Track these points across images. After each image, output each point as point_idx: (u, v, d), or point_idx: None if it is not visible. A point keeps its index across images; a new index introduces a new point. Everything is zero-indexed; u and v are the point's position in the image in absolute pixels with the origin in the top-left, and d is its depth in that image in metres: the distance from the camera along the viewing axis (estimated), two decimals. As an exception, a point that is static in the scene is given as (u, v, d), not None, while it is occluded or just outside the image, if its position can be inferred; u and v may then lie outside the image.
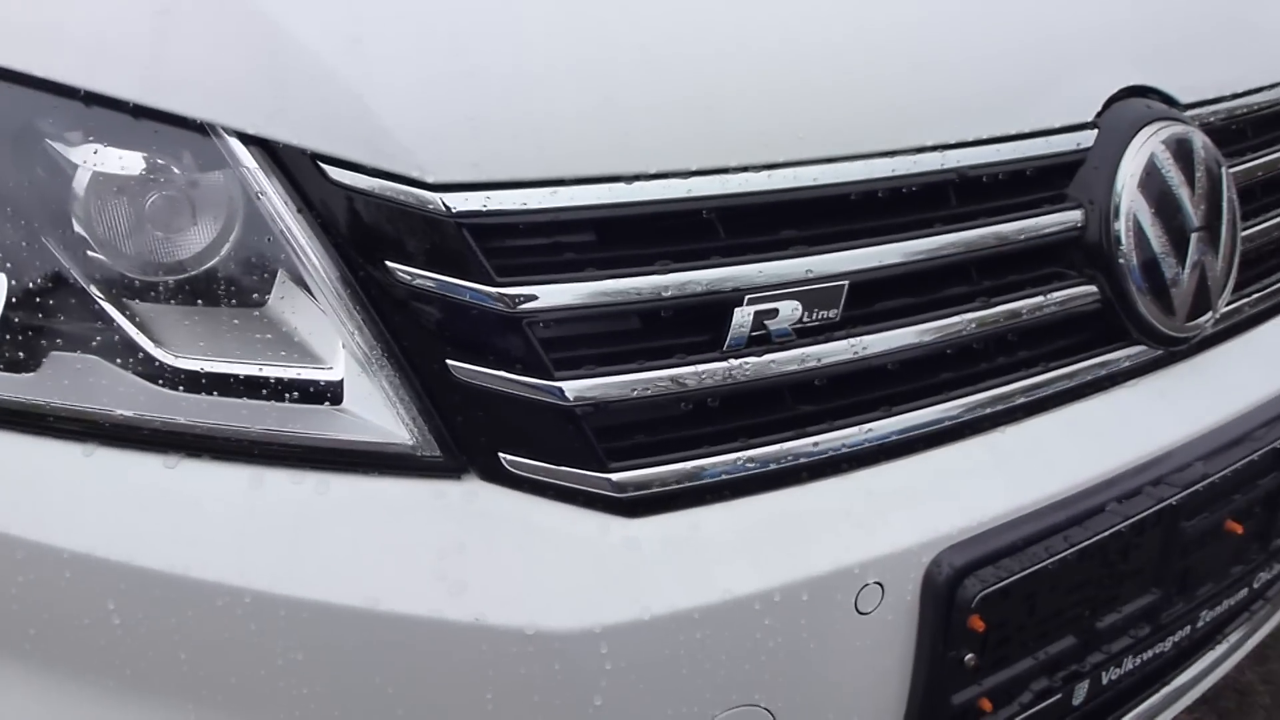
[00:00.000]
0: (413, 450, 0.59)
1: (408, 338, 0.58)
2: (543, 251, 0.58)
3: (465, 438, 0.59)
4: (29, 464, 0.59)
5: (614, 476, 0.59)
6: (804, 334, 0.64)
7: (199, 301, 0.61)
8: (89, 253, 0.60)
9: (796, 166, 0.63)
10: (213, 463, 0.58)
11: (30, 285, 0.60)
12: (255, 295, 0.61)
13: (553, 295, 0.58)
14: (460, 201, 0.56)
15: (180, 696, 0.58)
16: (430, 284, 0.57)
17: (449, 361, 0.58)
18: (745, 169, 0.62)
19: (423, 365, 0.58)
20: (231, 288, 0.60)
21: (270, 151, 0.58)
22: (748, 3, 0.65)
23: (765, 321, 0.62)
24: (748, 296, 0.62)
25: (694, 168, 0.61)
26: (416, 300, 0.57)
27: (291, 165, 0.57)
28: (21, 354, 0.60)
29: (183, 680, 0.57)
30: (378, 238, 0.57)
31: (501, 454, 0.59)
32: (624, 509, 0.59)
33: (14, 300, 0.60)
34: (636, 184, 0.59)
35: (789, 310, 0.63)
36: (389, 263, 0.57)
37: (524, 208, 0.57)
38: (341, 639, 0.56)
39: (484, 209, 0.57)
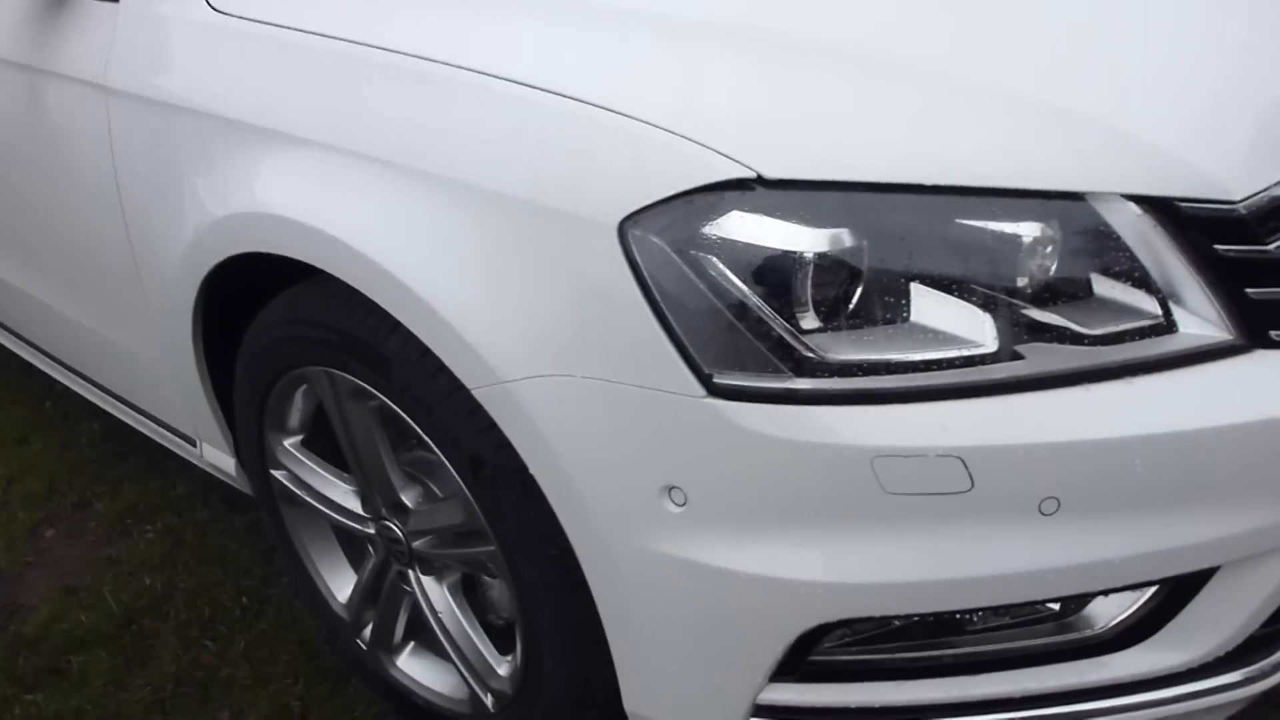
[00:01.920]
0: (1232, 342, 1.08)
1: (1222, 283, 1.07)
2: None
3: (1253, 327, 1.09)
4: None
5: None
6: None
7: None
8: (1019, 285, 1.05)
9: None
10: (1135, 378, 1.05)
11: (989, 312, 1.05)
12: (1090, 284, 1.08)
13: (1287, 240, 1.10)
14: (1247, 206, 1.07)
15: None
16: (1238, 253, 1.07)
17: (1246, 289, 1.08)
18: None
19: (1231, 294, 1.08)
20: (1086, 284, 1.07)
21: (1138, 201, 1.06)
22: None
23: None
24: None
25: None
26: (1231, 263, 1.07)
27: (1155, 208, 1.06)
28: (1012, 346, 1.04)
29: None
30: (1208, 231, 1.06)
31: (1271, 331, 1.09)
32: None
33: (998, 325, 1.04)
34: None
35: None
36: (1217, 245, 1.06)
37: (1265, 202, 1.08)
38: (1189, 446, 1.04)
39: (1249, 208, 1.07)
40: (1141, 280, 1.07)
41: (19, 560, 2.22)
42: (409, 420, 1.31)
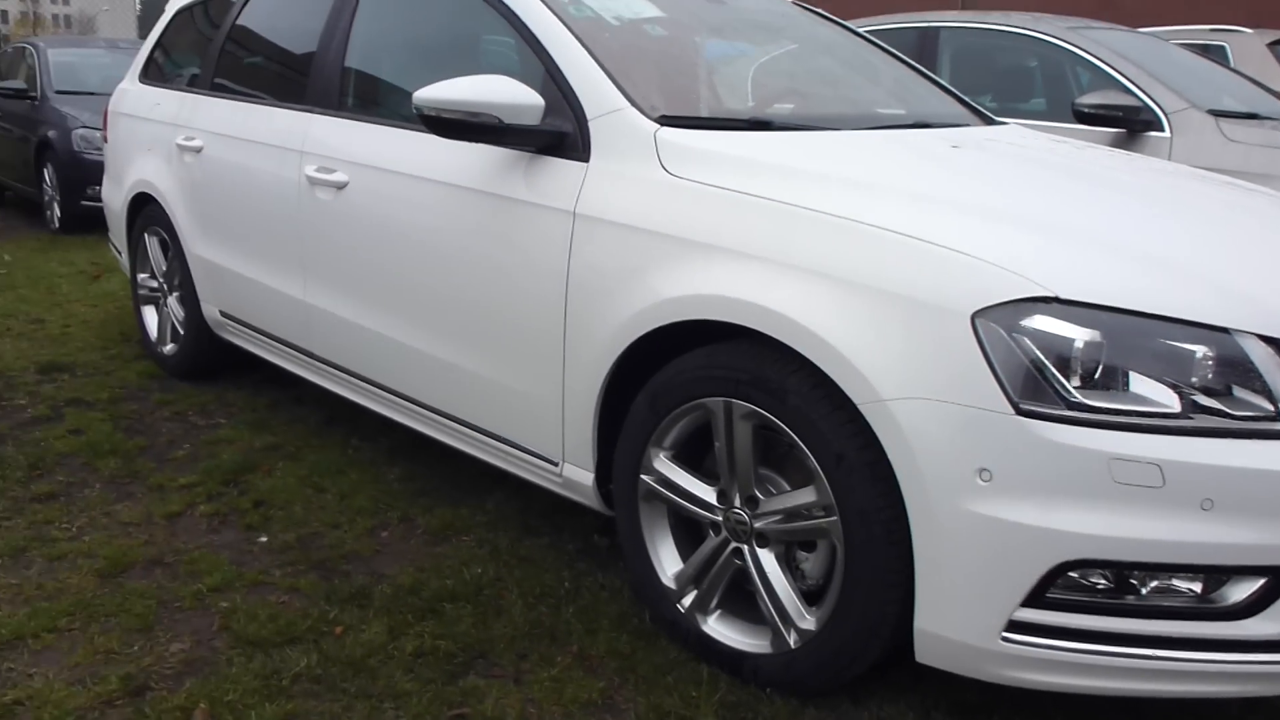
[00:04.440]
0: None
1: None
2: None
3: None
4: None
5: None
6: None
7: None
8: (1192, 381, 1.86)
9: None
10: (1253, 440, 1.84)
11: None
12: (1230, 386, 1.88)
13: None
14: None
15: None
16: None
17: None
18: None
19: None
20: (1228, 385, 1.88)
21: (1262, 338, 1.87)
22: None
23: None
24: None
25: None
26: None
27: (1272, 344, 1.87)
28: (1188, 413, 1.84)
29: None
30: None
31: None
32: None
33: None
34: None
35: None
36: None
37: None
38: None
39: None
40: (1261, 387, 1.87)
41: (371, 547, 2.97)
42: (791, 432, 2.10)
